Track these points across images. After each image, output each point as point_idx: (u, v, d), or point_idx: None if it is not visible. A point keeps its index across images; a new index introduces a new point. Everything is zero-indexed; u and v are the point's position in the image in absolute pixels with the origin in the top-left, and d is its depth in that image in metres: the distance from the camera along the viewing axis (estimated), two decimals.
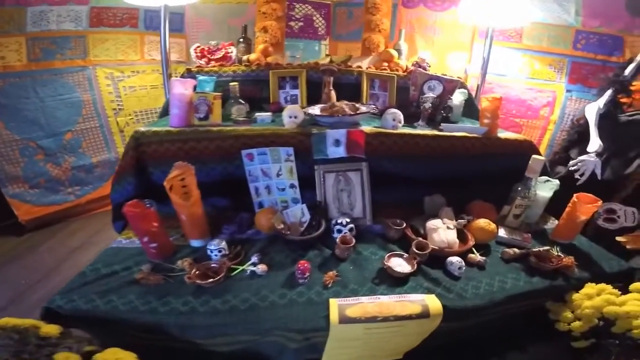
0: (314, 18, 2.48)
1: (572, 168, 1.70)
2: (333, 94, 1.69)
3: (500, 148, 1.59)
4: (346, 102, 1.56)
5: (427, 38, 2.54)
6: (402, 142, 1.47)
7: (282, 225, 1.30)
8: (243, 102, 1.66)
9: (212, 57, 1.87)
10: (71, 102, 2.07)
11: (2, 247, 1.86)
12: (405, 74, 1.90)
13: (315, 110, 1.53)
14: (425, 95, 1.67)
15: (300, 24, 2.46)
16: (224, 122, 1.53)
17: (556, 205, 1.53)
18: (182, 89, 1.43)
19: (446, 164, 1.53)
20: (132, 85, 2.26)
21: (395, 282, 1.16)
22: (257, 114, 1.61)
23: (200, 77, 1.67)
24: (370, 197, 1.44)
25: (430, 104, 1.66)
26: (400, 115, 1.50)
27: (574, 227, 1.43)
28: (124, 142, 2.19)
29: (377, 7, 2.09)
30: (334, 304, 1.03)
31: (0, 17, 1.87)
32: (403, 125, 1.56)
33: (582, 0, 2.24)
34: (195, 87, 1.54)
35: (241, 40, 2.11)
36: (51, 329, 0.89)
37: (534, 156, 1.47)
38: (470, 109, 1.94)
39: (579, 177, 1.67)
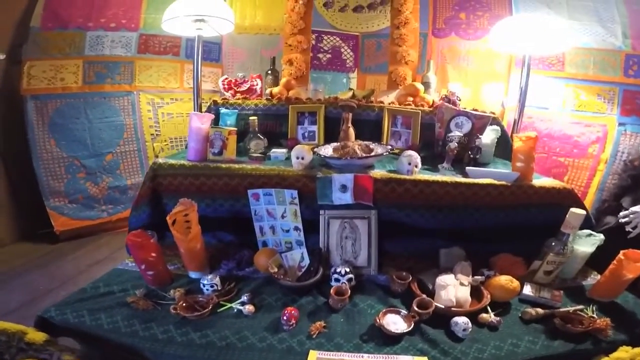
0: (342, 50, 2.41)
1: (623, 220, 1.42)
2: (351, 131, 1.58)
3: (534, 198, 1.35)
4: (361, 142, 1.44)
5: (460, 69, 2.34)
6: (417, 190, 1.29)
7: (275, 269, 1.22)
8: (261, 137, 1.61)
9: (238, 89, 1.86)
10: (115, 125, 2.18)
11: (34, 253, 1.96)
12: (431, 109, 1.74)
13: (327, 150, 1.44)
14: (451, 134, 1.50)
15: (328, 55, 2.40)
16: (240, 157, 1.50)
17: (600, 257, 1.28)
18: (199, 123, 1.42)
19: (469, 214, 1.33)
20: (170, 112, 2.33)
21: (386, 341, 1.01)
22: (273, 149, 1.55)
23: (223, 110, 1.66)
24: (377, 247, 1.30)
25: (457, 144, 1.48)
26: (417, 158, 1.33)
27: (617, 286, 1.18)
28: None
29: (402, 38, 1.95)
30: (313, 356, 0.95)
31: (63, 40, 2.04)
32: (424, 169, 1.41)
33: (628, 20, 1.95)
34: (213, 121, 1.52)
35: (269, 72, 2.09)
36: (36, 336, 0.94)
37: (572, 209, 1.23)
38: (505, 148, 1.70)
39: (630, 230, 1.39)
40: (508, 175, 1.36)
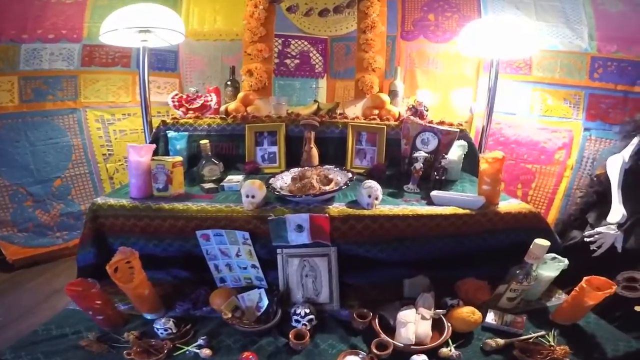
0: (311, 55, 2.23)
1: (588, 240, 1.36)
2: (314, 152, 1.44)
3: (500, 223, 1.26)
4: (320, 170, 1.31)
5: (429, 73, 2.20)
6: (377, 225, 1.16)
7: (229, 315, 1.09)
8: (216, 161, 1.44)
9: (190, 107, 1.66)
10: (61, 147, 1.94)
11: None
12: (397, 123, 1.61)
13: (284, 179, 1.31)
14: (416, 154, 1.38)
15: (297, 61, 2.22)
16: (192, 186, 1.34)
17: (565, 272, 1.23)
18: (138, 156, 1.23)
19: (432, 244, 1.23)
20: (122, 129, 2.09)
21: None
22: (229, 176, 1.39)
23: (171, 134, 1.47)
24: (339, 282, 1.19)
25: (422, 164, 1.37)
26: (377, 190, 1.20)
27: (578, 312, 1.14)
28: (113, 188, 2.03)
29: (369, 44, 1.80)
30: None
31: None
32: (388, 193, 1.30)
33: (595, 21, 1.87)
34: (163, 145, 1.33)
35: (229, 83, 1.89)
36: None
37: (536, 241, 1.15)
38: (473, 162, 1.59)
39: (595, 249, 1.33)
40: (474, 201, 1.25)
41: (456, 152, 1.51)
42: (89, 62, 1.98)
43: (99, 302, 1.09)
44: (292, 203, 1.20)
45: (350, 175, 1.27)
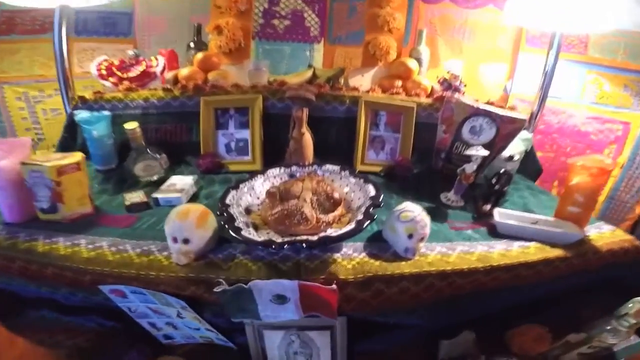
0: (305, 15, 1.65)
1: None
2: (308, 139, 0.90)
3: (594, 262, 0.74)
4: (320, 180, 0.74)
5: (454, 43, 1.66)
6: (422, 288, 0.62)
7: None
8: (155, 154, 0.88)
9: (124, 76, 1.07)
10: None
11: None
12: (431, 100, 1.06)
13: (256, 191, 0.76)
14: (470, 151, 0.83)
15: (287, 22, 1.63)
16: (114, 195, 0.77)
17: None
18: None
19: (492, 299, 0.69)
20: (55, 108, 1.50)
21: None
22: (169, 181, 0.84)
23: (80, 116, 0.89)
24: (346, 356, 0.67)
25: (475, 168, 0.83)
26: (424, 226, 0.64)
27: None
28: None
29: None
30: None
31: None
32: (418, 199, 0.77)
33: None
34: (69, 146, 0.80)
35: (191, 45, 1.32)
36: None
37: None
38: (527, 161, 1.07)
39: None
40: (567, 235, 0.72)
41: (517, 148, 0.98)
42: (8, 30, 1.41)
43: None
44: (264, 251, 0.64)
45: (373, 191, 0.70)
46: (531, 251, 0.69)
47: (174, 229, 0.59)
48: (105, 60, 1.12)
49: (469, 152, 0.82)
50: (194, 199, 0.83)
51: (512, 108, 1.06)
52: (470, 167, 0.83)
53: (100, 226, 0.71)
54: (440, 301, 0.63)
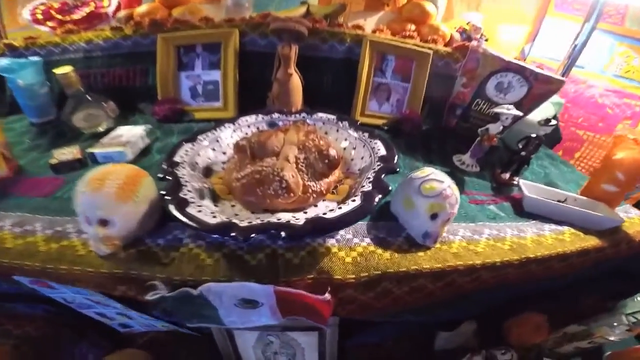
0: None
1: None
2: (296, 82, 0.68)
3: (623, 251, 0.59)
4: (310, 128, 0.56)
5: (470, 1, 1.46)
6: (439, 285, 0.45)
7: None
8: (100, 102, 0.66)
9: (66, 19, 0.79)
10: None
11: None
12: (450, 49, 0.85)
13: (220, 144, 0.56)
14: (500, 109, 0.65)
15: None
16: (44, 152, 0.57)
17: None
18: None
19: (502, 292, 0.54)
20: None
21: None
22: (115, 131, 0.63)
23: (0, 64, 0.66)
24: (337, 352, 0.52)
25: (502, 129, 0.66)
26: (453, 201, 0.45)
27: None
28: None
29: None
30: None
31: None
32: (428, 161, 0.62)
33: None
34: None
35: None
36: None
37: None
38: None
39: None
40: (604, 220, 0.57)
41: (546, 113, 0.80)
42: None
43: None
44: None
45: (384, 150, 0.50)
46: (566, 238, 0.54)
47: (84, 205, 0.38)
48: (43, 3, 0.83)
49: (498, 110, 0.64)
50: (145, 154, 0.63)
51: (541, 67, 0.87)
52: (495, 128, 0.66)
53: (13, 195, 0.51)
54: (447, 302, 0.48)
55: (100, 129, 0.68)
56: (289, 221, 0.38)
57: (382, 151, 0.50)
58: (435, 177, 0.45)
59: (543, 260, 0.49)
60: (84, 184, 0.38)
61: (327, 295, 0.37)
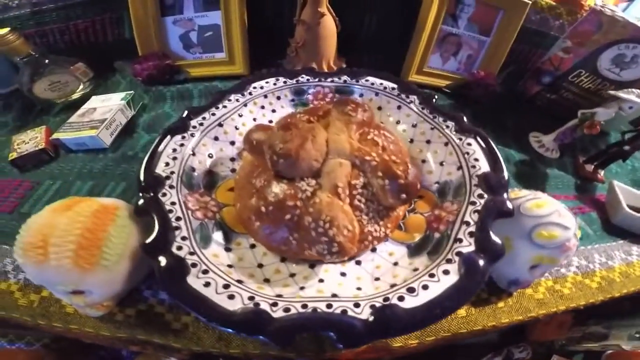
0: None
1: None
2: (328, 25, 0.46)
3: None
4: (363, 93, 0.37)
5: None
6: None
7: None
8: (60, 65, 0.46)
9: None
10: None
11: None
12: (553, 2, 0.57)
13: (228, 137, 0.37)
14: (628, 94, 0.45)
15: None
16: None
17: None
18: None
19: None
20: None
21: None
22: (86, 106, 0.45)
23: None
24: None
25: (613, 115, 0.47)
26: (570, 255, 0.29)
27: None
28: None
29: None
30: None
31: None
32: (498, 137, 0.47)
33: None
34: None
35: None
36: None
37: None
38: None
39: None
40: None
41: None
42: None
43: None
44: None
45: (486, 164, 0.31)
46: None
47: (35, 278, 0.25)
48: None
49: (624, 95, 0.44)
50: (128, 132, 0.46)
51: None
52: (606, 114, 0.48)
53: None
54: None
55: (75, 97, 0.49)
56: (345, 311, 0.23)
57: (482, 162, 0.31)
58: (560, 221, 0.28)
59: (627, 297, 0.38)
60: (19, 250, 0.23)
61: None
